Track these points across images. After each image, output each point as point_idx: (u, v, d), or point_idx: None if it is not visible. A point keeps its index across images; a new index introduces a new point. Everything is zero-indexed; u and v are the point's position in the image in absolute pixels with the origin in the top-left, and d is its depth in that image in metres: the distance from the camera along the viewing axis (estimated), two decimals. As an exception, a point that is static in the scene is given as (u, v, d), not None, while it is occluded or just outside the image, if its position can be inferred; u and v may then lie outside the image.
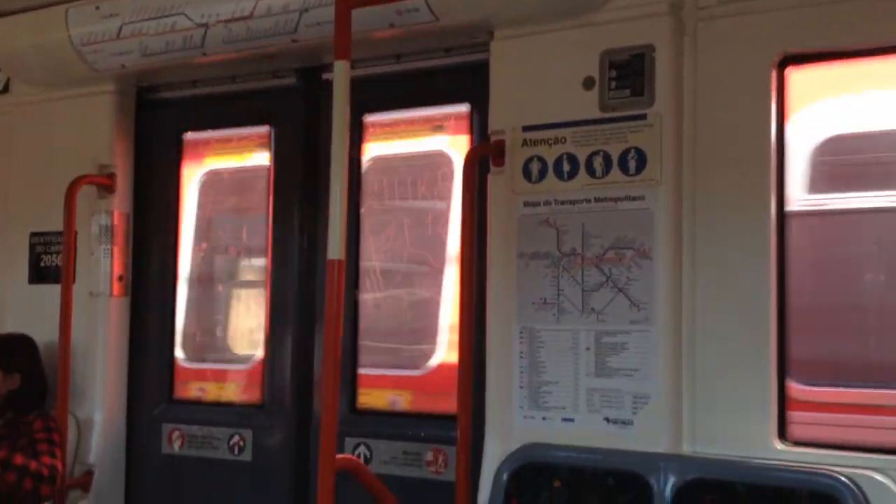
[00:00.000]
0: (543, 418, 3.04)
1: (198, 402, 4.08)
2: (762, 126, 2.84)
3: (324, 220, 3.14)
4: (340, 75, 2.81)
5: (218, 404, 4.04)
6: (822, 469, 2.61)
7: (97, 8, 3.85)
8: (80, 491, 3.93)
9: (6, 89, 4.46)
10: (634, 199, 2.97)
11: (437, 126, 3.75)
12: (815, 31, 2.79)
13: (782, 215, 2.85)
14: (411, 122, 3.77)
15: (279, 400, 3.80)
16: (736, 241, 2.85)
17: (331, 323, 2.69)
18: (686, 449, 2.86)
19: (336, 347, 2.70)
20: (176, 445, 4.00)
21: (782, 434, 2.78)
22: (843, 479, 2.55)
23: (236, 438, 3.85)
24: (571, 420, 3.00)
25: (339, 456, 2.60)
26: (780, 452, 2.74)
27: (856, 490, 2.53)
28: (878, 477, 2.56)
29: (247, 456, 3.83)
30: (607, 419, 2.94)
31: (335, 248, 2.72)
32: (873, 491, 2.53)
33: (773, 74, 2.83)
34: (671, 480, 2.75)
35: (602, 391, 2.96)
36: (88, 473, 3.96)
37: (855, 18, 2.74)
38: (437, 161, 3.76)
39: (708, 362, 2.86)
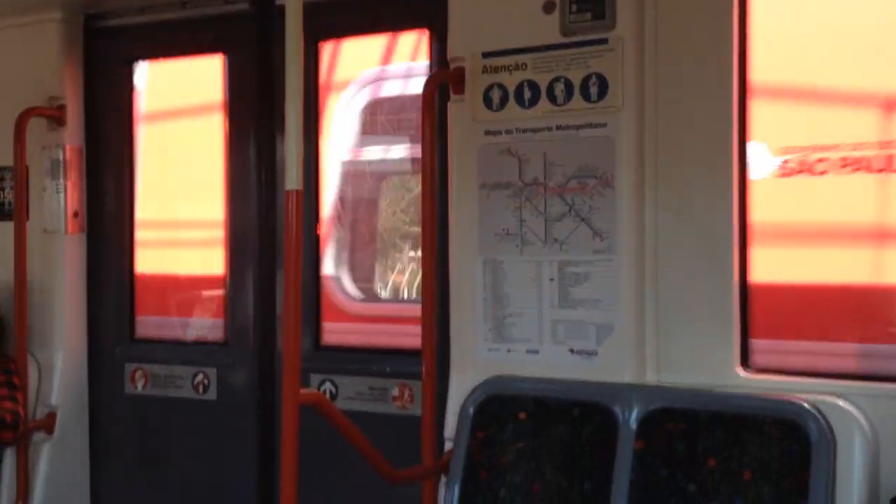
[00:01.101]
0: (508, 351, 3.03)
1: (160, 342, 4.04)
2: (724, 49, 2.77)
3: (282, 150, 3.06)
4: None
5: (180, 343, 4.01)
6: (785, 396, 2.62)
7: (39, -71, 3.68)
8: (44, 433, 3.89)
9: (-54, 17, 4.29)
10: (596, 126, 2.90)
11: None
12: None
13: (744, 139, 2.80)
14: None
15: (242, 338, 3.76)
16: (698, 168, 2.81)
17: (290, 256, 2.62)
18: (650, 378, 2.87)
19: (297, 282, 2.64)
20: (140, 385, 3.96)
21: (745, 362, 2.79)
22: (805, 405, 2.57)
23: (200, 377, 3.82)
24: (536, 352, 2.98)
25: (303, 391, 2.56)
26: (744, 380, 2.75)
27: (818, 416, 2.54)
28: (841, 403, 2.57)
29: (212, 395, 3.80)
30: (572, 350, 2.93)
31: (292, 178, 2.64)
32: (836, 417, 2.54)
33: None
34: (636, 410, 2.75)
35: (566, 322, 2.94)
36: (51, 415, 3.91)
37: None
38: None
39: (671, 291, 2.85)
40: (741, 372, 2.77)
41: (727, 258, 2.78)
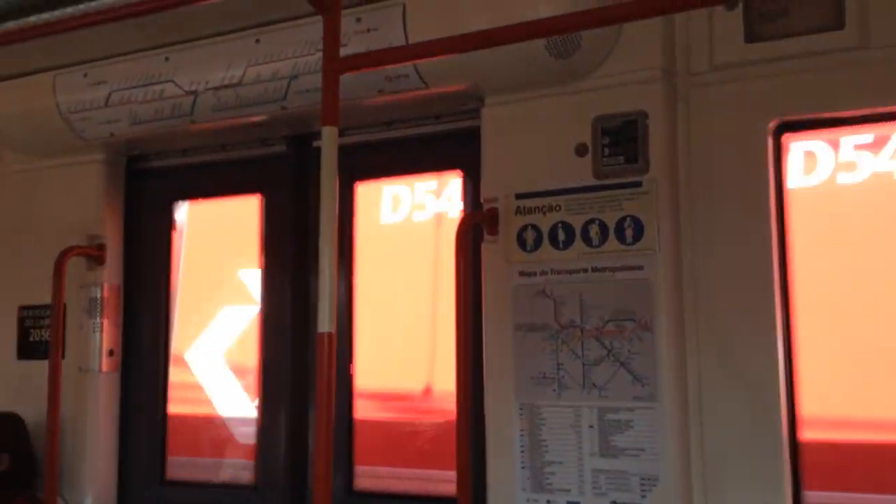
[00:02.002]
0: (548, 501, 2.92)
1: (190, 484, 3.95)
2: (760, 193, 2.76)
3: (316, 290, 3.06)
4: (328, 141, 2.73)
5: (210, 485, 3.92)
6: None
7: (85, 75, 3.80)
8: (71, 577, 3.81)
9: (-6, 158, 4.42)
10: (633, 268, 2.88)
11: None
12: (810, 99, 2.72)
13: (785, 283, 2.75)
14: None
15: (273, 480, 3.68)
16: (739, 313, 2.76)
17: (322, 398, 2.59)
18: (698, 531, 2.75)
19: (328, 424, 2.60)
20: (168, 529, 3.88)
21: (797, 511, 2.67)
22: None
23: (230, 521, 3.74)
24: (577, 503, 2.88)
25: None
26: (795, 530, 2.64)
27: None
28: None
29: (240, 540, 3.72)
30: (615, 503, 2.82)
31: (325, 320, 2.63)
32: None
33: (770, 141, 2.76)
34: (683, 566, 2.63)
35: (608, 472, 2.84)
36: None
37: (850, 85, 2.67)
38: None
39: (717, 438, 2.76)
40: (793, 522, 2.65)
41: (774, 407, 2.69)
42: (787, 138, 2.80)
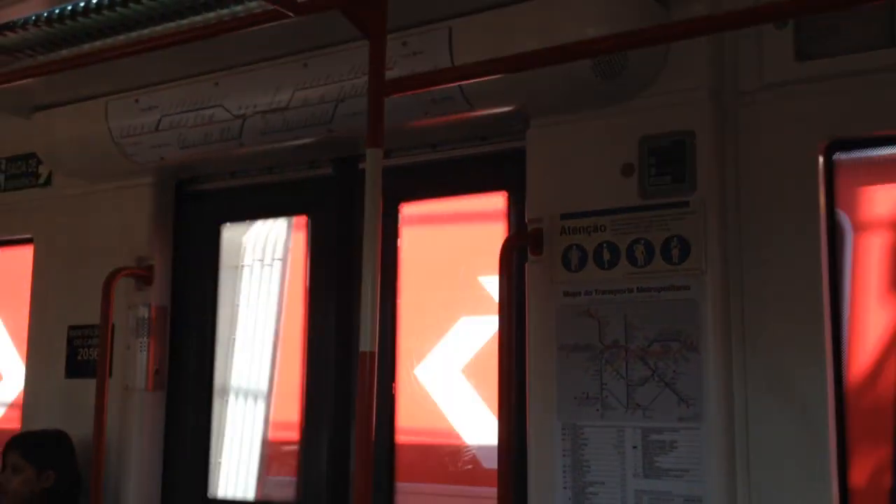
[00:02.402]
0: (590, 522, 2.89)
1: (233, 502, 3.96)
2: (811, 213, 2.72)
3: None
4: (373, 163, 2.76)
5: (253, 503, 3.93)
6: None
7: (136, 101, 3.88)
8: None
9: (48, 182, 4.50)
10: (679, 288, 2.85)
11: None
12: (862, 117, 2.69)
13: (837, 308, 2.71)
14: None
15: (315, 498, 3.67)
16: (788, 334, 2.71)
17: (362, 419, 2.58)
18: (744, 556, 2.69)
19: (368, 446, 2.59)
20: (210, 547, 3.89)
21: (845, 538, 2.61)
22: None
23: (272, 539, 3.74)
24: (621, 524, 2.84)
25: None
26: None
27: None
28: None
29: (283, 558, 3.71)
30: (658, 524, 2.79)
31: (366, 339, 2.63)
32: None
33: (821, 160, 2.73)
34: (728, 592, 2.57)
35: (651, 493, 2.80)
36: None
37: None
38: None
39: (763, 462, 2.70)
40: (841, 550, 2.58)
41: (823, 431, 2.63)
42: (838, 157, 2.76)
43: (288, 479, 3.88)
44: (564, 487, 2.94)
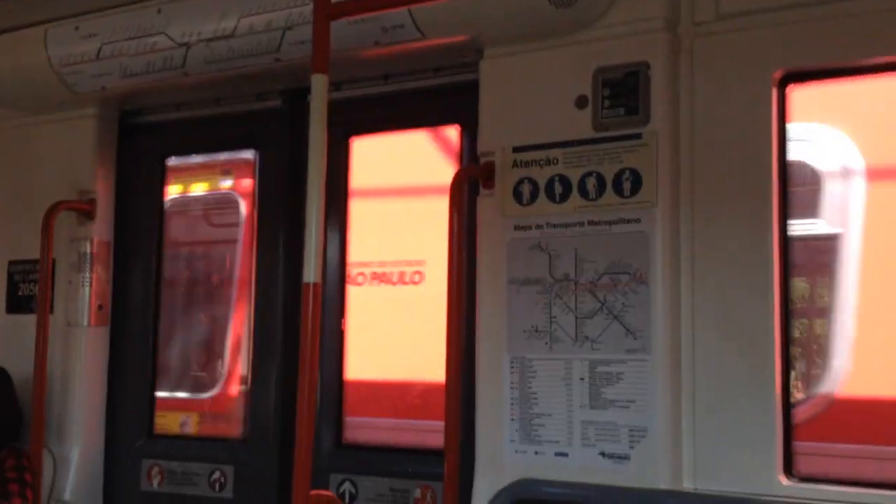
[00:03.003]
0: (536, 453, 2.89)
1: (179, 437, 3.93)
2: (763, 145, 2.71)
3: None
4: (318, 90, 2.66)
5: (199, 439, 3.90)
6: (830, 507, 2.47)
7: (76, 28, 3.74)
8: (56, 530, 3.77)
9: (-14, 113, 4.36)
10: (629, 221, 2.84)
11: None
12: (817, 48, 2.67)
13: (785, 238, 2.71)
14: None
15: (262, 434, 3.65)
16: (736, 266, 2.72)
17: (305, 351, 2.54)
18: (686, 485, 2.72)
19: (312, 378, 2.55)
20: (155, 482, 3.84)
21: (788, 469, 2.64)
22: (852, 517, 2.41)
23: (217, 475, 3.70)
24: (565, 454, 2.85)
25: (313, 492, 2.45)
26: (786, 488, 2.60)
27: (867, 529, 2.38)
28: (890, 514, 2.42)
29: (228, 493, 3.67)
30: (603, 453, 2.80)
31: (310, 270, 2.58)
32: (886, 530, 2.39)
33: (774, 92, 2.71)
34: (671, 519, 2.60)
35: (597, 424, 2.81)
36: None
37: (858, 34, 2.62)
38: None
39: (708, 393, 2.73)
40: (784, 480, 2.61)
41: (768, 360, 2.65)
42: (791, 89, 2.75)
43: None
44: (512, 419, 2.94)
